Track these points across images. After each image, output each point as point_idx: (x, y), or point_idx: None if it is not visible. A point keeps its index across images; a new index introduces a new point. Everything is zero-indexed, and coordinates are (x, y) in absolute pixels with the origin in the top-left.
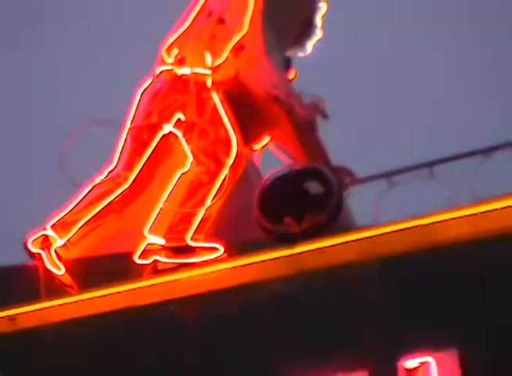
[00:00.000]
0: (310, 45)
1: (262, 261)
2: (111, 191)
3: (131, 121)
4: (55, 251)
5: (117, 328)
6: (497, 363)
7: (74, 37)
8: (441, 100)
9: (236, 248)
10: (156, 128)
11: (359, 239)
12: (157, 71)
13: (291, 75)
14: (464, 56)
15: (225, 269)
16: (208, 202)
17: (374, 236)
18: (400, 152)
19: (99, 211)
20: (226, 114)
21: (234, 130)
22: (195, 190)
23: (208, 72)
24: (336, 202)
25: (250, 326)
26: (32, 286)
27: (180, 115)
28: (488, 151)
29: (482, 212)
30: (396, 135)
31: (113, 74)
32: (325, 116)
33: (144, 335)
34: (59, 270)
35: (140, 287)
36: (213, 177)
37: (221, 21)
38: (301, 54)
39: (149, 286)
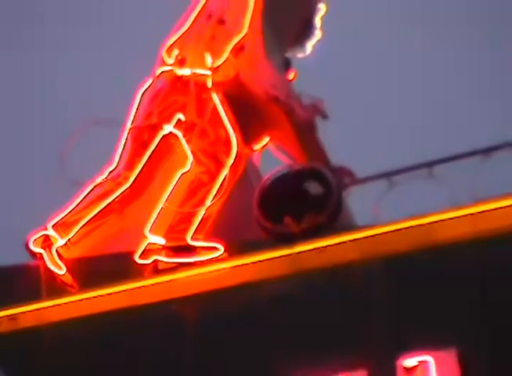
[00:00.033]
0: (309, 46)
1: (262, 260)
2: (112, 191)
3: (132, 122)
4: (57, 251)
5: (117, 328)
6: (496, 363)
7: (74, 37)
8: (441, 100)
9: (236, 248)
10: (156, 128)
11: (359, 239)
12: (158, 72)
13: (291, 76)
14: (464, 56)
15: (225, 268)
16: (208, 202)
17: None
18: (400, 152)
19: (100, 211)
20: (226, 115)
21: (234, 130)
22: (195, 190)
23: (208, 73)
24: (335, 202)
25: (250, 325)
26: (33, 285)
27: (180, 115)
28: (487, 151)
29: (482, 212)
30: (396, 136)
31: (113, 74)
32: (324, 116)
33: (144, 334)
34: (60, 270)
35: (141, 287)
36: (213, 177)
37: (221, 22)
38: (300, 55)
39: (149, 285)
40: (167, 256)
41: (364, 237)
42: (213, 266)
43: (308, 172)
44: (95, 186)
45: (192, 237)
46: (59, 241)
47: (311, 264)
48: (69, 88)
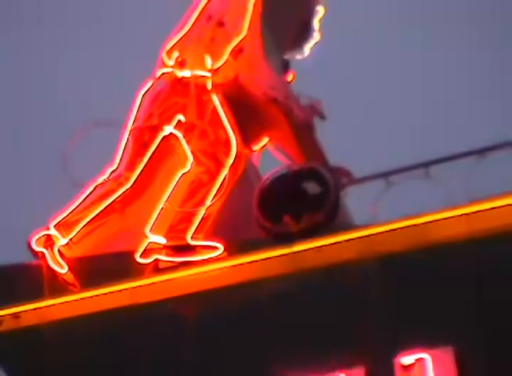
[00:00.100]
0: (308, 48)
1: (261, 259)
2: (113, 191)
3: (133, 123)
4: (58, 250)
5: (118, 326)
6: (492, 360)
7: (74, 37)
8: (440, 100)
9: (236, 247)
10: (157, 129)
11: (356, 238)
12: (158, 74)
13: (289, 77)
14: (464, 56)
15: (225, 267)
16: (208, 202)
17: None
18: (397, 152)
19: (101, 211)
20: (226, 116)
21: (233, 131)
22: (195, 190)
23: (208, 74)
24: (333, 202)
25: (249, 323)
26: (35, 284)
27: (180, 117)
28: (482, 151)
29: (477, 212)
30: (393, 136)
31: (113, 75)
32: (322, 117)
33: (145, 333)
34: (62, 269)
35: (141, 286)
36: (213, 177)
37: (220, 24)
38: (298, 57)
39: (150, 284)
40: (168, 255)
41: (361, 237)
42: (213, 265)
43: (306, 172)
44: (96, 186)
45: (192, 237)
46: (61, 241)
47: (309, 263)
48: (69, 88)
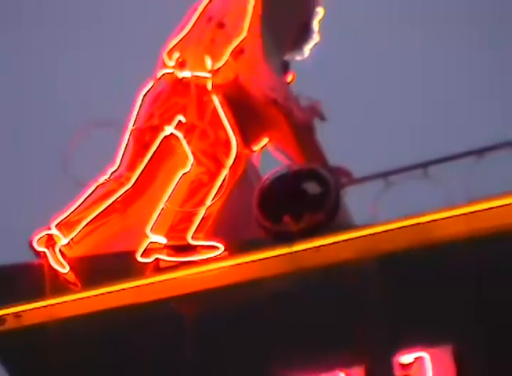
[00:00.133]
0: (307, 49)
1: (261, 259)
2: (114, 191)
3: (134, 123)
4: (60, 250)
5: (119, 324)
6: (491, 359)
7: (74, 37)
8: (439, 100)
9: (236, 247)
10: (157, 129)
11: (356, 237)
12: (159, 74)
13: (289, 78)
14: (464, 56)
15: (225, 266)
16: (209, 202)
17: (370, 234)
18: (396, 152)
19: (103, 211)
20: (226, 116)
21: (234, 132)
22: (196, 190)
23: (208, 75)
24: (333, 202)
25: (249, 322)
26: (37, 283)
27: (181, 117)
28: (482, 151)
29: (476, 211)
30: (392, 136)
31: (113, 75)
32: (322, 118)
33: (146, 332)
34: (64, 268)
35: (142, 285)
36: (213, 177)
37: (221, 25)
38: (298, 58)
39: (151, 283)
40: (169, 255)
41: (361, 236)
42: (213, 265)
43: (306, 172)
44: (97, 186)
45: (192, 236)
46: (63, 240)
47: (309, 262)
48: (69, 88)
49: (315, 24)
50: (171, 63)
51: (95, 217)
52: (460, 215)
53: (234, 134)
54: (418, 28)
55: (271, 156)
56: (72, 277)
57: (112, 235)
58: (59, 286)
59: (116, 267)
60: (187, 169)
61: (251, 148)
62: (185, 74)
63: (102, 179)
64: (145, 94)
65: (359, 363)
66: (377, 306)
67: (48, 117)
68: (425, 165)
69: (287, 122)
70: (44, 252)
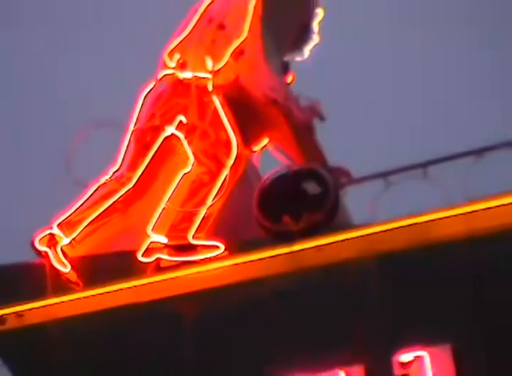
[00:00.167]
0: (307, 50)
1: (262, 258)
2: (115, 191)
3: (135, 123)
4: (61, 249)
5: (120, 324)
6: (490, 358)
7: (74, 37)
8: (439, 100)
9: (237, 246)
10: (158, 130)
11: (356, 237)
12: (160, 75)
13: (289, 79)
14: (464, 56)
15: (226, 266)
16: (209, 201)
17: (370, 234)
18: (395, 152)
19: (104, 211)
20: (226, 117)
21: (234, 132)
22: (196, 190)
23: (209, 76)
24: (333, 201)
25: (249, 322)
26: (38, 283)
27: (182, 118)
28: (481, 151)
29: (475, 211)
30: (392, 136)
31: (114, 75)
32: (322, 118)
33: (148, 331)
34: (65, 268)
35: (143, 284)
36: (214, 177)
37: (221, 27)
38: (298, 58)
39: (152, 283)
40: (170, 254)
41: (361, 236)
42: (214, 264)
43: (306, 172)
44: (99, 186)
45: (193, 236)
46: (64, 240)
47: (309, 262)
48: (69, 88)
49: (315, 25)
50: (172, 64)
51: (96, 217)
52: (459, 214)
53: (234, 134)
54: (418, 28)
55: (271, 156)
56: (73, 277)
57: (113, 235)
58: (61, 285)
59: (117, 267)
60: (188, 169)
61: (251, 148)
62: (186, 74)
63: (103, 179)
64: (146, 95)
65: (359, 361)
66: (377, 305)
67: (49, 118)
68: (424, 165)
69: (287, 122)
70: (45, 252)
